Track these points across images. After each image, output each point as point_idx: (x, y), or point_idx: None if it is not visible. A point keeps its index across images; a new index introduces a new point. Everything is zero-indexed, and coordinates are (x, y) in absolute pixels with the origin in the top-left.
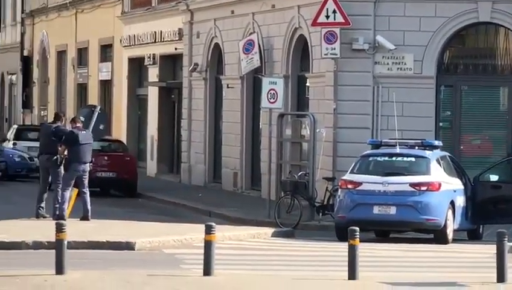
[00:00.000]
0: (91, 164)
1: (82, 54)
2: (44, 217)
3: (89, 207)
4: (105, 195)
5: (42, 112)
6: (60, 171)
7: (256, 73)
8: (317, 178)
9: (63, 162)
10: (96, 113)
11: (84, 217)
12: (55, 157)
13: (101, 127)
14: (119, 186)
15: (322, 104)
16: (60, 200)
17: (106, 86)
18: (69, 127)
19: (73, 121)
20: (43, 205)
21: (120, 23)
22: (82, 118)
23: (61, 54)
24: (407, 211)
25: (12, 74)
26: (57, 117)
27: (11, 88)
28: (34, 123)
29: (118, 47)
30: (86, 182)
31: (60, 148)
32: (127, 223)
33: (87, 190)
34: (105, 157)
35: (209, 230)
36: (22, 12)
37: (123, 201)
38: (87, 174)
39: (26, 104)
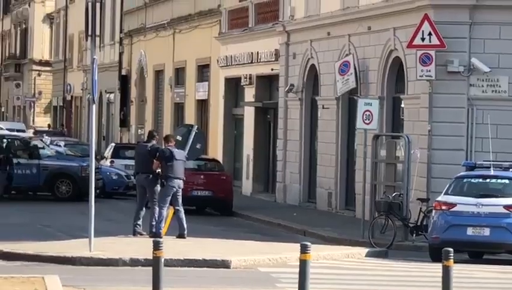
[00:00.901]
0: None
1: (179, 73)
2: (141, 234)
3: (185, 225)
4: (201, 213)
5: (139, 131)
6: (157, 189)
7: (351, 94)
8: (411, 199)
9: (159, 179)
10: (194, 133)
11: (180, 235)
12: (152, 175)
13: (198, 146)
14: (215, 204)
15: (416, 126)
16: (157, 218)
17: (203, 106)
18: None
19: (167, 139)
20: (139, 222)
21: (217, 43)
22: (179, 137)
23: (158, 74)
24: (501, 232)
25: (111, 93)
26: (151, 136)
27: (109, 106)
28: (131, 141)
29: (215, 67)
30: (180, 199)
31: (154, 165)
32: (223, 242)
33: (181, 208)
34: (202, 176)
35: (304, 249)
36: (121, 32)
37: (218, 219)
38: (181, 191)
39: (124, 123)
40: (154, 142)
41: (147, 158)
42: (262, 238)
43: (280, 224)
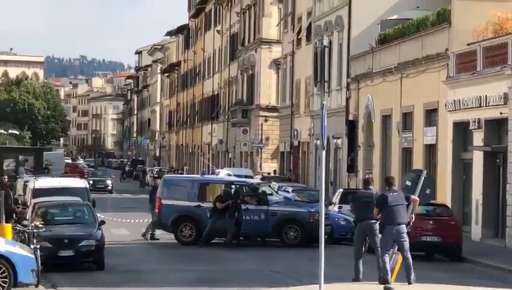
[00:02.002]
0: (409, 226)
1: (407, 118)
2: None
3: (411, 272)
4: (429, 259)
5: (367, 176)
6: (378, 235)
7: None
8: None
9: (379, 226)
10: (423, 178)
11: (408, 282)
12: (372, 221)
13: (428, 191)
14: (444, 250)
15: None
16: (381, 265)
17: (431, 150)
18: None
19: (388, 182)
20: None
21: (445, 87)
22: (408, 183)
23: (386, 118)
24: None
25: (338, 138)
26: (367, 182)
27: (336, 152)
28: (359, 187)
29: (443, 111)
30: (406, 245)
31: (374, 212)
32: (452, 288)
33: (408, 254)
34: (431, 222)
35: None
36: (348, 77)
37: (448, 265)
38: (406, 236)
39: (351, 168)
40: (371, 187)
41: (366, 204)
42: (495, 285)
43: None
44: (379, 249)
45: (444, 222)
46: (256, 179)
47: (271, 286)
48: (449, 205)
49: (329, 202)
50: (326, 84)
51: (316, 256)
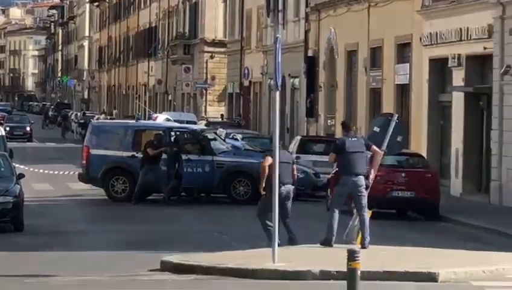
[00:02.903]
0: (368, 180)
1: (375, 54)
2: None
3: (367, 235)
4: (402, 218)
5: (329, 121)
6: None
7: None
8: None
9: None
10: (393, 123)
11: (362, 246)
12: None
13: (399, 139)
14: (419, 207)
15: None
16: (327, 222)
17: (403, 91)
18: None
19: (345, 127)
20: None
21: (420, 18)
22: (376, 129)
23: (351, 54)
24: None
25: (295, 77)
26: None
27: (294, 93)
28: (320, 134)
29: (417, 46)
30: (364, 201)
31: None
32: (428, 251)
33: (363, 211)
34: (403, 174)
35: None
36: (307, 7)
37: (423, 225)
38: (364, 190)
39: (311, 112)
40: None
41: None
42: (475, 247)
43: (495, 230)
44: (355, 210)
45: (418, 174)
46: (200, 125)
47: (216, 250)
48: (424, 154)
49: None
50: (280, 14)
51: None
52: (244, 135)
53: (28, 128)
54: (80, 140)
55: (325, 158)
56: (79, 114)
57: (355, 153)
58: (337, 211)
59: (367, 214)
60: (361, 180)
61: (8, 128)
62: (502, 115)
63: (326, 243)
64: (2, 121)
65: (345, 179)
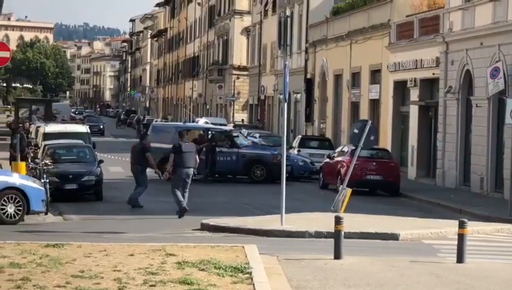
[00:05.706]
0: (195, 169)
1: (355, 77)
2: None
3: (185, 208)
4: (372, 194)
5: (321, 125)
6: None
7: (501, 95)
8: None
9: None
10: (368, 127)
11: (178, 216)
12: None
13: (372, 138)
14: (385, 187)
15: None
16: (173, 199)
17: (375, 104)
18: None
19: (180, 135)
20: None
21: (387, 52)
22: (356, 130)
23: (337, 77)
24: None
25: (297, 93)
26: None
27: (296, 105)
28: (315, 134)
29: (385, 72)
30: (188, 185)
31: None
32: (391, 218)
33: (186, 192)
34: (374, 163)
35: (462, 225)
36: (306, 43)
37: (387, 199)
38: (190, 177)
39: (308, 118)
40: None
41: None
42: (425, 215)
43: (439, 204)
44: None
45: (385, 163)
46: (229, 127)
47: (240, 215)
48: (389, 149)
49: (289, 146)
50: (288, 47)
51: (278, 191)
52: (260, 134)
53: (101, 126)
54: None
55: (319, 151)
56: (141, 117)
57: (188, 152)
58: (178, 191)
59: (187, 194)
60: (191, 171)
61: (87, 126)
62: (445, 122)
63: (182, 212)
64: (84, 121)
65: (180, 171)
